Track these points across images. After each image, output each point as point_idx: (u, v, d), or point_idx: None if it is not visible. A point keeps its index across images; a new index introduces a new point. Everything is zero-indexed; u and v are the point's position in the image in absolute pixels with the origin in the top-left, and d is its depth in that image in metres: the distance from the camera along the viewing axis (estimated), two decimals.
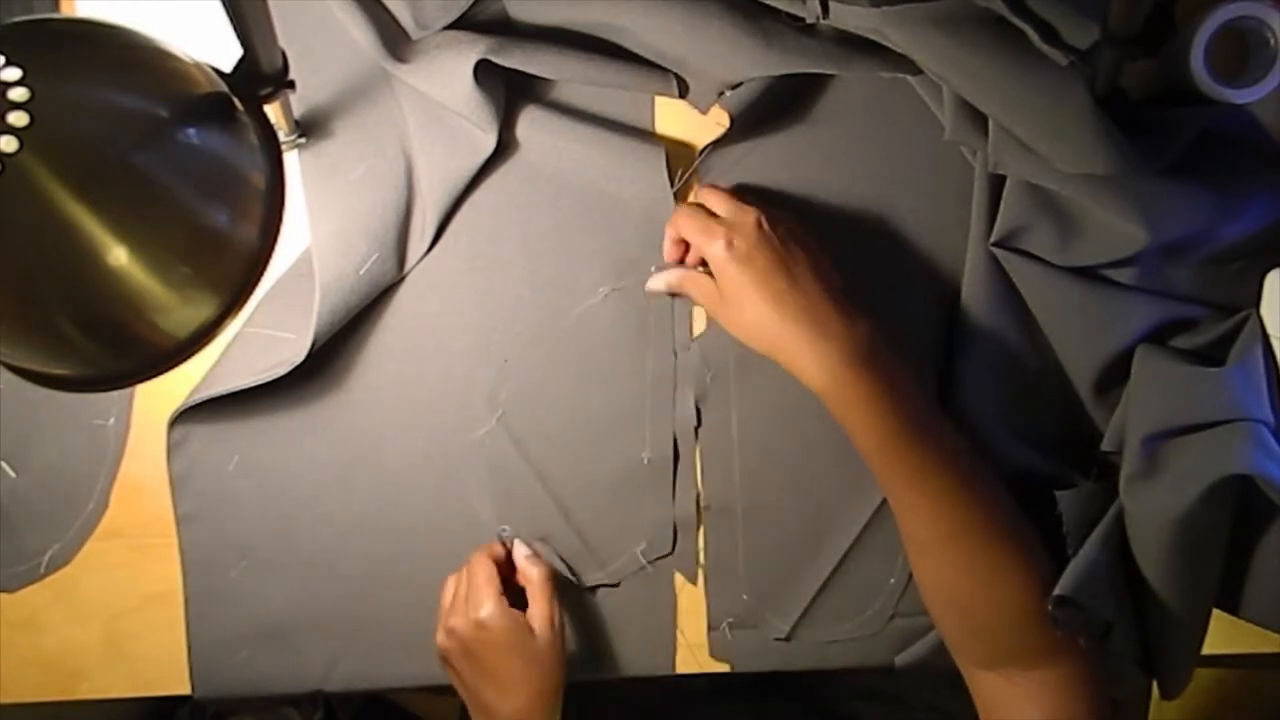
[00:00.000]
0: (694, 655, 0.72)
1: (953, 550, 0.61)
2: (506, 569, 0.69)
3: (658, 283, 0.66)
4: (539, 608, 0.67)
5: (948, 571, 0.61)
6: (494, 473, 0.70)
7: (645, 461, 0.71)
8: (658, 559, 0.71)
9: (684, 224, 0.63)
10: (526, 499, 0.71)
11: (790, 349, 0.60)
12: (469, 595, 0.66)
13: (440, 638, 0.67)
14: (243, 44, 0.50)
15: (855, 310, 0.61)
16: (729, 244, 0.60)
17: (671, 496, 0.71)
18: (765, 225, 0.61)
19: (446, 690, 0.70)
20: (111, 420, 0.71)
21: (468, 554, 0.70)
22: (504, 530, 0.71)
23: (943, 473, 0.60)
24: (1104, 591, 0.63)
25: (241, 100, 0.50)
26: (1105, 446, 0.67)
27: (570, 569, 0.71)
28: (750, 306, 0.60)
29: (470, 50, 0.64)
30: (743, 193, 0.66)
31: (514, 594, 0.68)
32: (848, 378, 0.59)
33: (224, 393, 0.67)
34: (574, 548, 0.71)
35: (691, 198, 0.67)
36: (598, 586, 0.72)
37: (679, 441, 0.71)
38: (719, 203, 0.63)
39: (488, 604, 0.65)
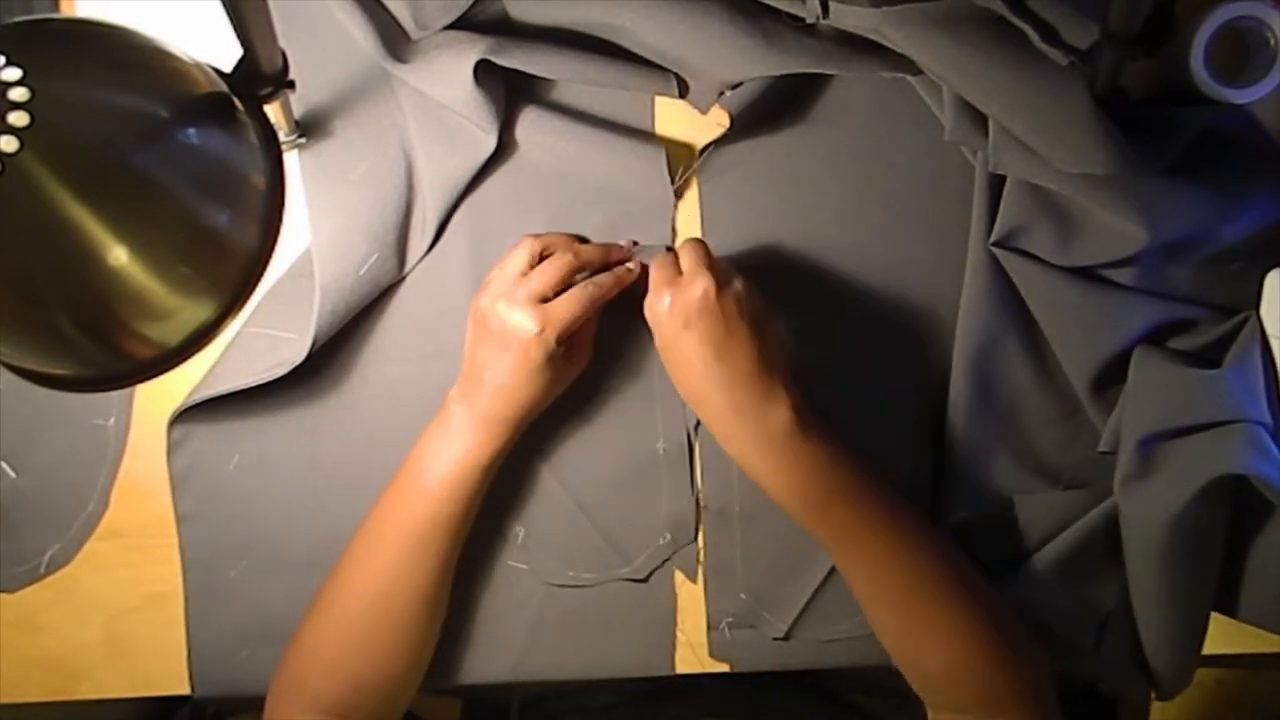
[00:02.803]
0: (694, 655, 0.72)
1: (894, 606, 0.63)
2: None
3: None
4: (585, 336, 0.67)
5: (892, 625, 0.64)
6: (506, 473, 0.70)
7: (661, 451, 0.71)
8: (683, 548, 0.71)
9: (652, 269, 0.64)
10: (543, 498, 0.71)
11: (707, 413, 0.63)
12: (530, 277, 0.63)
13: (480, 293, 0.65)
14: (243, 44, 0.50)
15: (780, 391, 0.62)
16: (671, 306, 0.61)
17: (689, 485, 0.71)
18: (711, 296, 0.60)
19: (446, 690, 0.70)
20: (111, 420, 0.71)
21: (466, 552, 0.70)
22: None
23: (875, 534, 0.62)
24: (1043, 591, 0.66)
25: (241, 100, 0.50)
26: (1102, 447, 0.67)
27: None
28: (677, 365, 0.62)
29: (470, 50, 0.64)
30: (735, 232, 0.68)
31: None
32: (757, 456, 0.62)
33: (224, 392, 0.67)
34: (596, 545, 0.71)
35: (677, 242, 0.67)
36: (625, 581, 0.71)
37: (690, 436, 0.71)
38: (687, 259, 0.63)
39: (524, 310, 0.62)
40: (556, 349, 0.62)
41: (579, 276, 0.64)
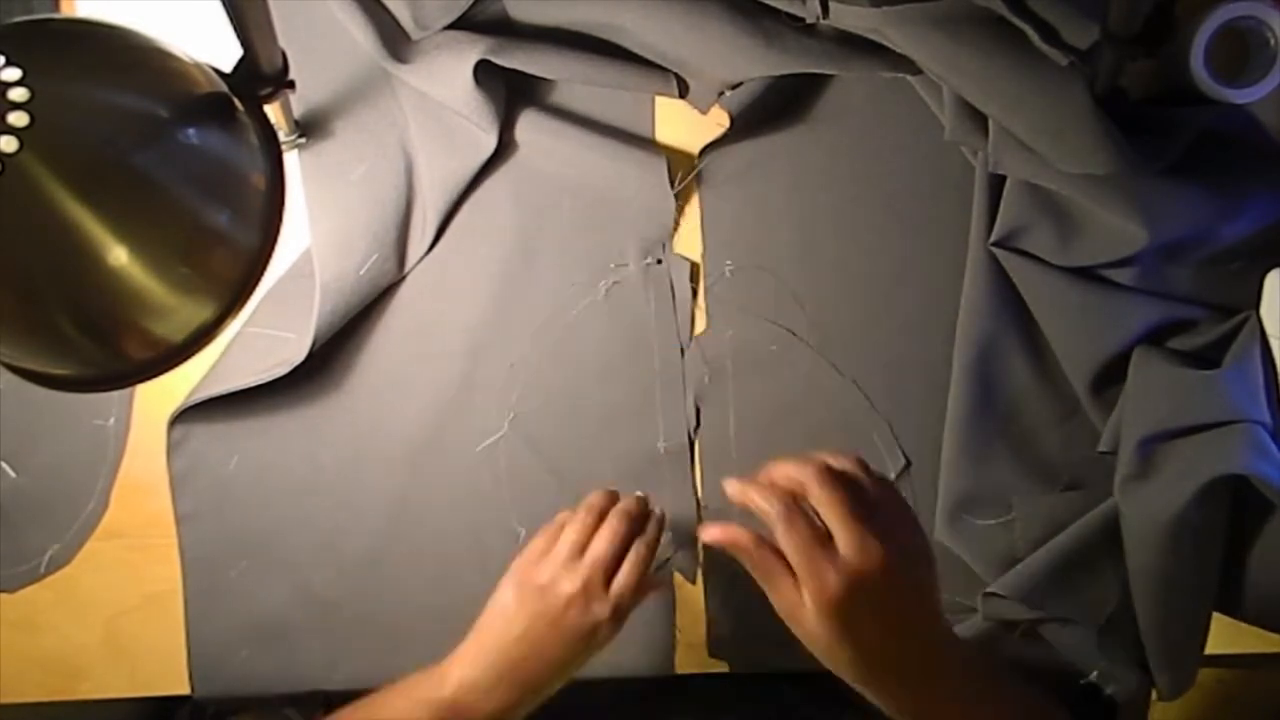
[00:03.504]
0: (694, 655, 0.72)
1: None
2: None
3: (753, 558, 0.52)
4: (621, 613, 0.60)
5: None
6: (510, 475, 0.70)
7: (662, 450, 0.71)
8: (683, 547, 0.71)
9: (786, 540, 0.49)
10: (544, 499, 0.71)
11: (903, 691, 0.51)
12: (591, 558, 0.58)
13: (522, 569, 0.59)
14: (243, 44, 0.50)
15: (947, 626, 0.52)
16: (832, 606, 0.47)
17: (690, 484, 0.71)
18: (889, 572, 0.48)
19: None
20: (111, 420, 0.71)
21: (467, 551, 0.70)
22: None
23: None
24: (1042, 592, 0.64)
25: (241, 100, 0.50)
26: (1102, 447, 0.67)
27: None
28: (846, 654, 0.49)
29: (470, 50, 0.64)
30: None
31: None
32: (953, 702, 0.51)
33: (224, 392, 0.67)
34: None
35: (788, 474, 0.51)
36: None
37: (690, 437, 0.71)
38: (835, 514, 0.49)
39: (597, 599, 0.57)
40: (616, 630, 0.58)
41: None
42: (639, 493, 0.65)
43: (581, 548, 0.59)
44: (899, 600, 0.49)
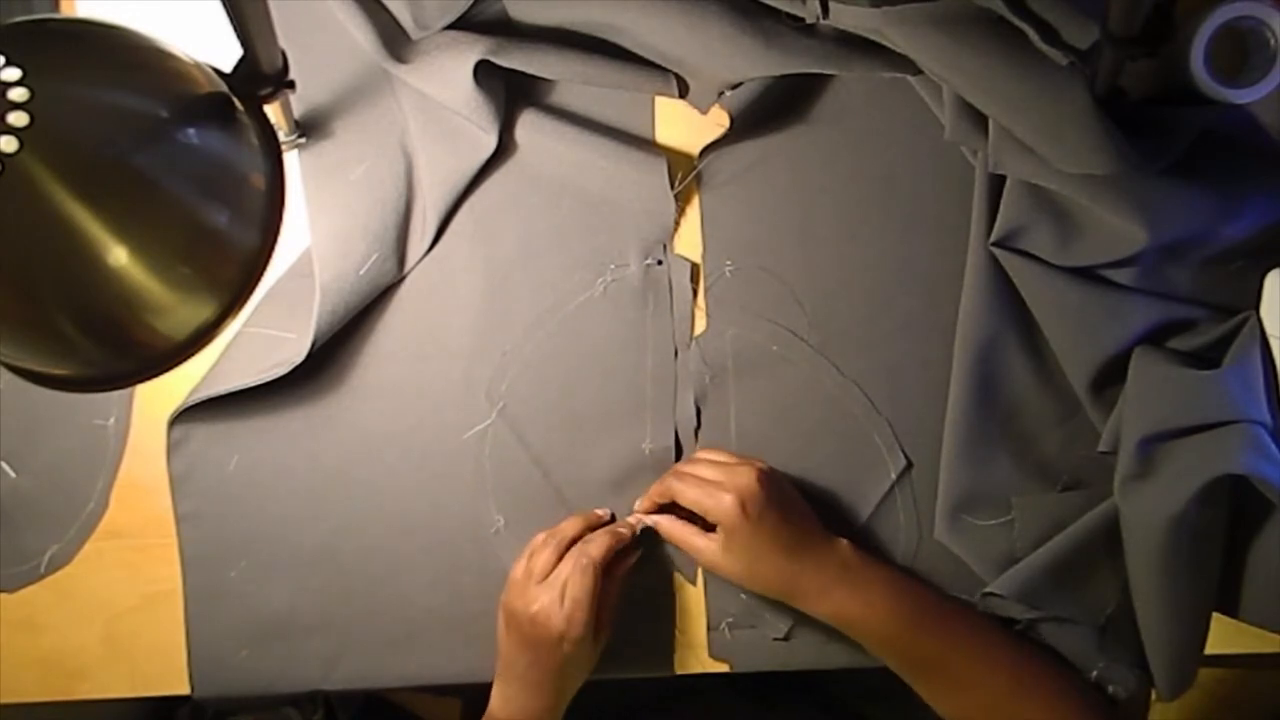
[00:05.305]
0: (694, 655, 0.72)
1: (992, 714, 0.64)
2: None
3: (663, 525, 0.68)
4: (605, 615, 0.66)
5: None
6: (496, 467, 0.70)
7: (647, 452, 0.71)
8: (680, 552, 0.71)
9: (684, 494, 0.65)
10: (528, 493, 0.71)
11: (798, 588, 0.64)
12: (559, 584, 0.64)
13: (505, 597, 0.67)
14: (243, 44, 0.50)
15: (826, 531, 0.66)
16: (742, 509, 0.62)
17: None
18: (766, 481, 0.63)
19: (447, 690, 0.70)
20: (111, 420, 0.71)
21: (468, 552, 0.70)
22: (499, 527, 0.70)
23: (957, 652, 0.65)
24: (1041, 592, 0.66)
25: (241, 100, 0.50)
26: (1102, 447, 0.67)
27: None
28: (763, 559, 0.63)
29: (470, 50, 0.64)
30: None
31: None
32: (848, 597, 0.64)
33: (224, 392, 0.67)
34: None
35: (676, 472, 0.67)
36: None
37: (680, 439, 0.71)
38: (710, 467, 0.65)
39: (556, 613, 0.64)
40: (585, 635, 0.64)
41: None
42: (632, 520, 0.69)
43: (546, 574, 0.65)
44: (781, 496, 0.64)
